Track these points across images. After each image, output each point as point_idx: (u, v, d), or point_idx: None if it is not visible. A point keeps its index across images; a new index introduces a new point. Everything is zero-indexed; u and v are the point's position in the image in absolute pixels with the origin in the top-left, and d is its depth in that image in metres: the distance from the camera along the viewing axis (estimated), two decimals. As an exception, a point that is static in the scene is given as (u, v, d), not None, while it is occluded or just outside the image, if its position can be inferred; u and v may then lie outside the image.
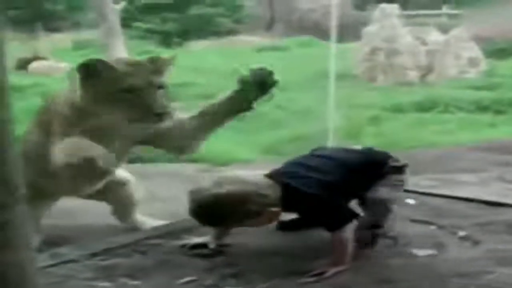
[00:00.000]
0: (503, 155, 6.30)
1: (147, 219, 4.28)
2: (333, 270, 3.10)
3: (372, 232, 3.33)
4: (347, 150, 3.59)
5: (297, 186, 3.21)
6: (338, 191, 3.24)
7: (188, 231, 3.71)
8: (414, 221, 3.84)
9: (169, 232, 3.73)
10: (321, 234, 3.33)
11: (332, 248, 3.21)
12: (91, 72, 3.46)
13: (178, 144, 3.82)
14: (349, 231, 3.20)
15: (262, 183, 3.24)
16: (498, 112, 10.10)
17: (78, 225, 4.09)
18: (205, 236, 3.50)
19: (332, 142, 6.02)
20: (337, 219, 3.19)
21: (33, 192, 2.52)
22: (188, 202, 3.25)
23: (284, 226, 3.68)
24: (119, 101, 3.43)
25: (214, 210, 3.17)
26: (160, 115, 3.44)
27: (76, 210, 4.40)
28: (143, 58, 3.71)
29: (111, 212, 4.32)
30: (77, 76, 3.50)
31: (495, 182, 4.97)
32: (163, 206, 4.73)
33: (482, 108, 10.37)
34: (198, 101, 11.80)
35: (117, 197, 4.23)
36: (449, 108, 10.34)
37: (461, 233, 3.60)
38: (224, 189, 3.17)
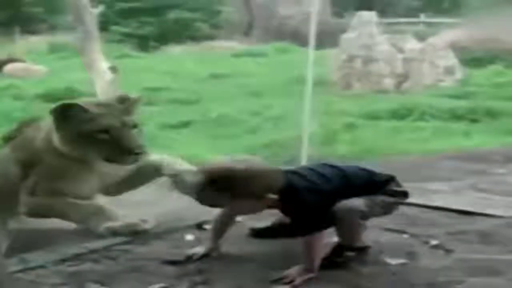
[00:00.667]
0: (476, 164, 6.32)
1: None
2: (301, 278, 3.09)
3: (344, 256, 3.33)
4: (358, 167, 3.53)
5: (293, 185, 3.24)
6: (328, 200, 3.22)
7: (158, 237, 3.68)
8: (386, 229, 3.83)
9: (140, 238, 3.69)
10: (294, 242, 3.32)
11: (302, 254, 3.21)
12: (67, 115, 3.61)
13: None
14: (320, 238, 3.19)
15: (274, 169, 3.29)
16: (473, 121, 10.13)
17: (46, 230, 4.03)
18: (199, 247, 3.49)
19: (307, 149, 6.00)
20: (309, 224, 3.18)
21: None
22: (197, 175, 3.28)
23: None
24: (96, 142, 3.61)
25: (229, 178, 3.15)
26: (137, 155, 3.63)
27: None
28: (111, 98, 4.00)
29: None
30: (52, 118, 3.67)
31: (468, 191, 4.98)
32: (136, 211, 4.67)
33: (456, 116, 10.39)
34: (174, 105, 11.82)
35: None
36: (424, 116, 10.36)
37: (433, 242, 3.60)
38: (242, 164, 3.20)
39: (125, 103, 3.79)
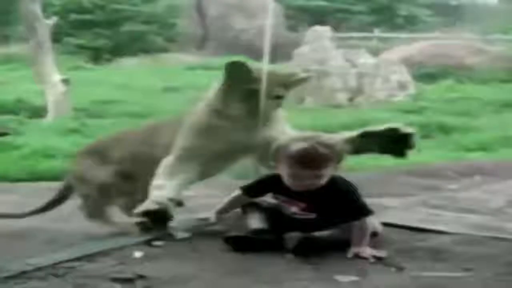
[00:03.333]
0: (427, 180, 6.34)
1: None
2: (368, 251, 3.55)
3: None
4: None
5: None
6: None
7: (106, 254, 3.61)
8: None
9: (88, 255, 3.62)
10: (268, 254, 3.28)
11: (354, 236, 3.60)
12: (234, 72, 3.97)
13: None
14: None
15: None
16: (425, 136, 10.19)
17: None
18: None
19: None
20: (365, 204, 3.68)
21: None
22: (282, 154, 3.64)
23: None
24: (248, 100, 3.94)
25: (321, 151, 3.59)
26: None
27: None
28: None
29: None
30: (223, 76, 4.00)
31: (419, 207, 4.97)
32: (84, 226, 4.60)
33: (409, 131, 10.47)
34: (125, 119, 11.73)
35: None
36: (376, 131, 10.40)
37: (386, 259, 3.58)
38: (320, 138, 3.68)
39: (291, 77, 4.17)
